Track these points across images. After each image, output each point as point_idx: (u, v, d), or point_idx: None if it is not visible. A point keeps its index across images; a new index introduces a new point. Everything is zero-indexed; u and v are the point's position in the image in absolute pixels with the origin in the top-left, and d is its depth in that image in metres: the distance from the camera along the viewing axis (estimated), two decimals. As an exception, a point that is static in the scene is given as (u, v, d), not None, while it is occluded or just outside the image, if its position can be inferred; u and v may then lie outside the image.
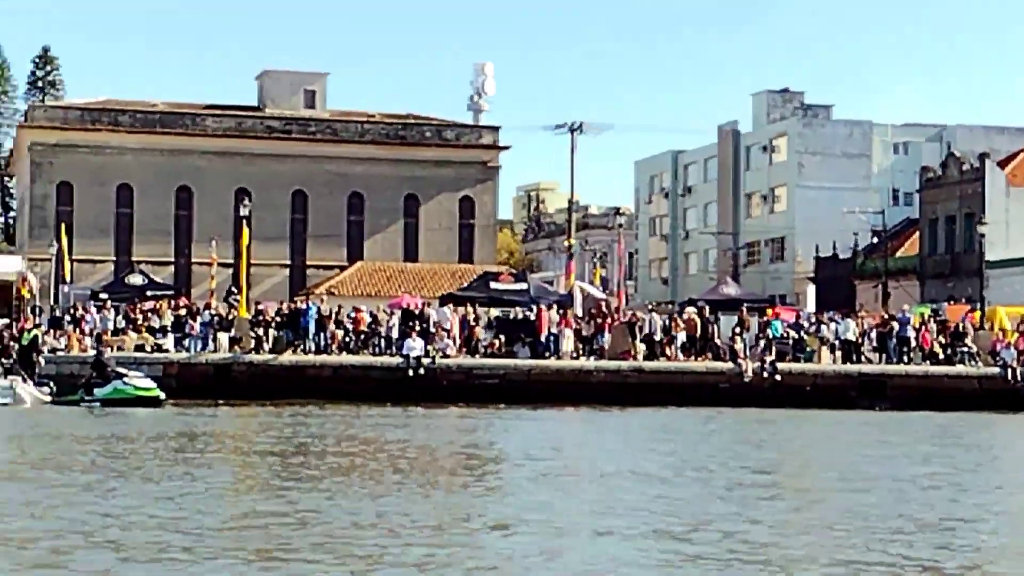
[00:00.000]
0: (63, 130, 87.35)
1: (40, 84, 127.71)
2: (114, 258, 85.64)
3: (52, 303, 67.39)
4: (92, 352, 49.29)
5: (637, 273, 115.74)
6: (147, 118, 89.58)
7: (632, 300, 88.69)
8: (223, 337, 53.07)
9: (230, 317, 54.56)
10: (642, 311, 61.99)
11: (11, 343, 48.63)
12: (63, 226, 73.79)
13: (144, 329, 55.01)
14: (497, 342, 56.19)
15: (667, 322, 57.45)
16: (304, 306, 55.46)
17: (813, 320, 60.13)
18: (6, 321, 56.47)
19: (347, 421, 39.21)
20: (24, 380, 44.95)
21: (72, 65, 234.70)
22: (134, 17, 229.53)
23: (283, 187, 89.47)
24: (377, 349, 55.41)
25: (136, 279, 63.69)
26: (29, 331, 48.80)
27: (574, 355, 55.46)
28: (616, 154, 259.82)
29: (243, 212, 57.60)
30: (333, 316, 55.01)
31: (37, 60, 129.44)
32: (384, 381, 52.00)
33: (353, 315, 55.84)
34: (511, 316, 58.74)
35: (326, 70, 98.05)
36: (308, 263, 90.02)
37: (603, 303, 61.12)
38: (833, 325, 58.18)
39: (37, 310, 64.87)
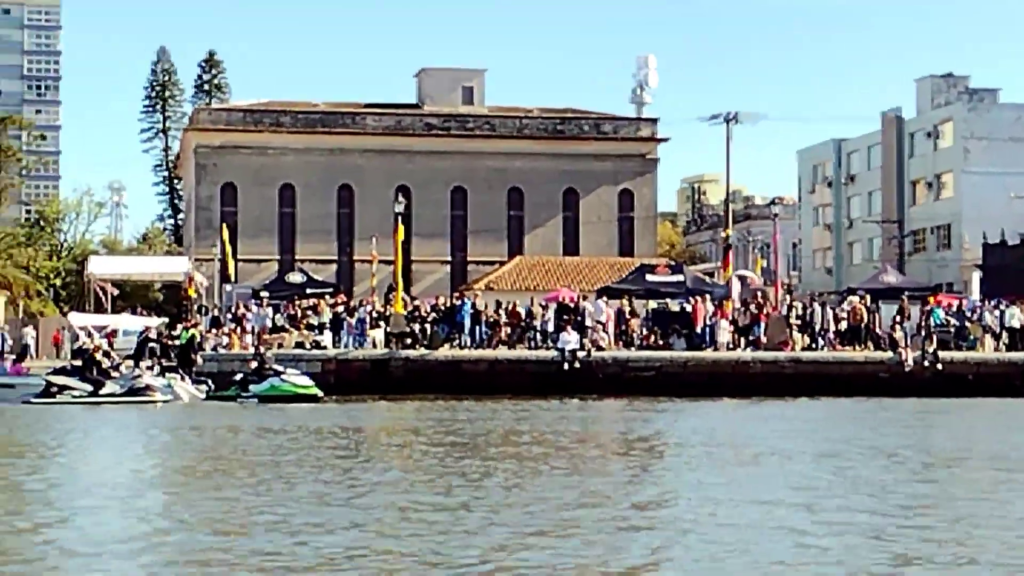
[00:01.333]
0: (227, 132, 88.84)
1: (207, 88, 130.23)
2: (278, 257, 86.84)
3: (215, 302, 68.52)
4: (252, 350, 50.05)
5: (801, 263, 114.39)
6: (308, 118, 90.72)
7: (796, 290, 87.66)
8: (375, 333, 53.54)
9: (387, 313, 55.02)
10: (802, 300, 61.31)
11: (170, 342, 49.56)
12: (225, 226, 74.97)
13: (303, 326, 55.74)
14: (653, 334, 55.95)
15: (827, 311, 56.75)
16: (459, 301, 55.71)
17: (976, 308, 58.89)
18: (165, 320, 57.57)
19: (516, 414, 38.76)
20: (182, 378, 45.83)
21: (237, 68, 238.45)
22: (296, 19, 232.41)
23: (442, 183, 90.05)
24: (533, 343, 55.52)
25: (296, 277, 64.58)
26: (187, 330, 49.73)
27: (730, 346, 55.02)
28: (780, 143, 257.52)
29: (398, 209, 58.04)
30: (488, 311, 55.20)
31: (203, 64, 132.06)
32: (539, 375, 52.10)
33: (508, 309, 55.96)
34: (667, 308, 58.43)
35: (484, 66, 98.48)
36: (469, 259, 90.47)
37: (759, 293, 60.55)
38: (997, 312, 56.97)
39: (203, 309, 66.07)
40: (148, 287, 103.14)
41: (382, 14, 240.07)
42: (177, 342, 49.41)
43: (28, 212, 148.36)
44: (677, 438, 30.16)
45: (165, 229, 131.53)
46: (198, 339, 49.29)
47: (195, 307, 69.30)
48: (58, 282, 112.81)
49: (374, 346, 53.45)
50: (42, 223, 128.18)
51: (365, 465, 23.47)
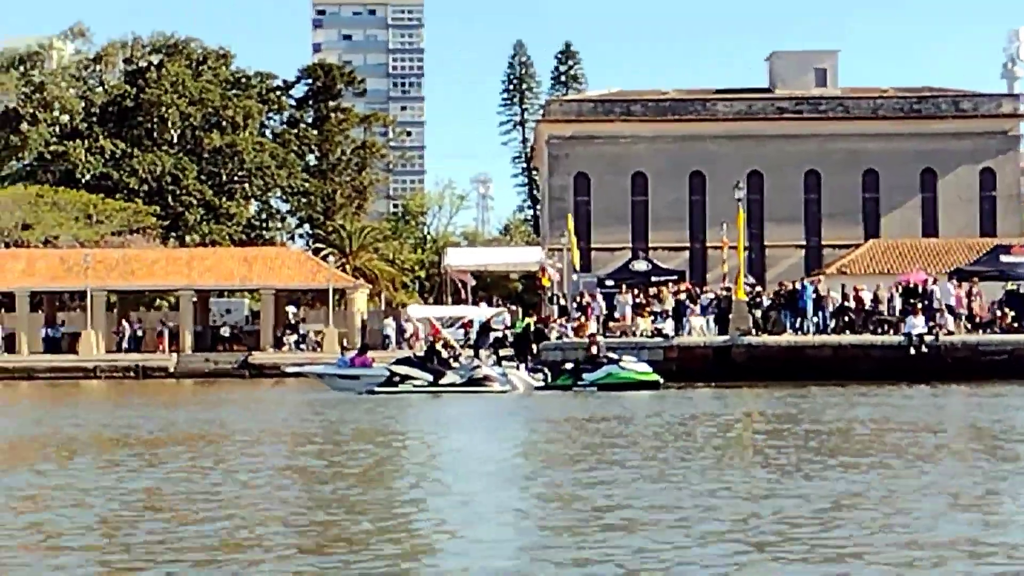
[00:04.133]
0: (578, 122, 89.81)
1: (563, 79, 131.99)
2: (630, 245, 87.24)
3: (564, 292, 69.36)
4: (595, 338, 50.36)
5: None
6: (658, 106, 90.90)
7: None
8: (696, 321, 53.29)
9: (729, 300, 54.67)
10: None
11: (507, 331, 50.36)
12: (570, 216, 75.74)
13: (647, 314, 55.90)
14: (1006, 317, 54.01)
15: None
16: (800, 286, 54.91)
17: None
18: (503, 310, 58.49)
19: (874, 402, 37.52)
20: (517, 367, 46.52)
21: (592, 59, 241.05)
22: (647, 8, 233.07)
23: (795, 167, 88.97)
24: (880, 328, 54.26)
25: (641, 265, 64.83)
26: (522, 320, 50.41)
27: (1090, 329, 52.63)
28: None
29: (738, 196, 57.53)
30: (832, 295, 54.25)
31: (560, 56, 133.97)
32: (885, 360, 50.90)
33: (852, 294, 54.89)
34: (1021, 290, 56.30)
35: (836, 47, 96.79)
36: (823, 243, 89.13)
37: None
38: None
39: (554, 299, 66.97)
40: (507, 278, 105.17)
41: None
42: (514, 331, 50.12)
43: (395, 207, 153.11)
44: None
45: (526, 220, 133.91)
46: (533, 329, 49.89)
47: (547, 297, 70.33)
48: (422, 274, 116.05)
49: (689, 333, 53.20)
50: (407, 217, 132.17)
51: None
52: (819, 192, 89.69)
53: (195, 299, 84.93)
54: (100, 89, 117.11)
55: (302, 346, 79.22)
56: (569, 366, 46.45)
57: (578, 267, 70.50)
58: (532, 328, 49.95)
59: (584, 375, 45.57)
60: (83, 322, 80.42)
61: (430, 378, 44.33)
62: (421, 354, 46.37)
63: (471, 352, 47.71)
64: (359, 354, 47.49)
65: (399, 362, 46.46)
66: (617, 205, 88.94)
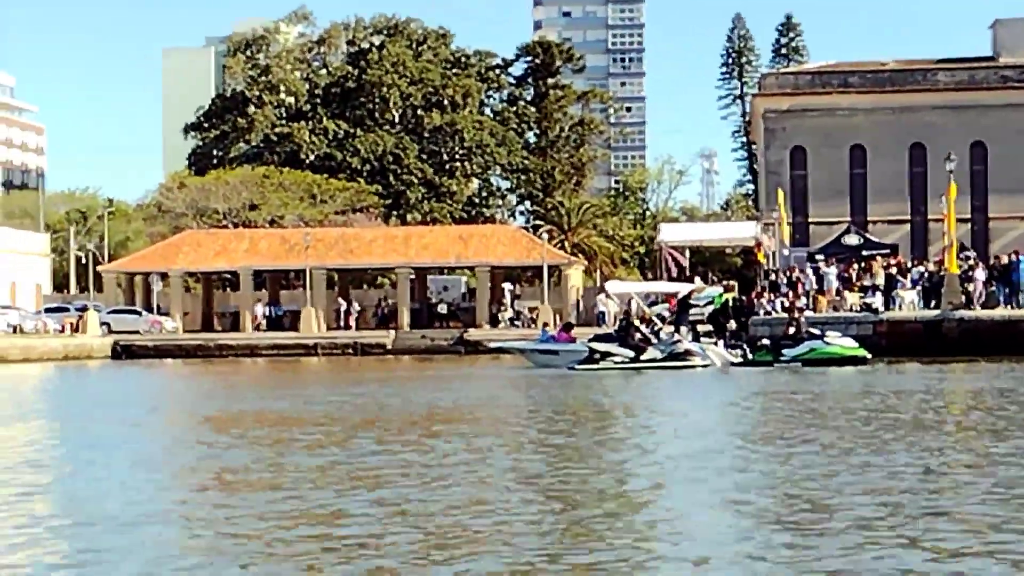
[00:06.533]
0: (794, 96, 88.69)
1: (783, 51, 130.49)
2: (848, 219, 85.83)
3: (775, 266, 68.71)
4: (804, 313, 49.80)
5: None
6: (877, 77, 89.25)
7: None
8: (906, 294, 52.26)
9: (940, 274, 53.61)
10: None
11: (705, 307, 50.08)
12: (780, 191, 74.90)
13: (856, 288, 55.13)
14: None
15: None
16: (1016, 260, 53.51)
17: None
18: (693, 286, 58.14)
19: None
20: (715, 343, 46.23)
21: (812, 31, 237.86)
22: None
23: (1020, 137, 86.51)
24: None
25: (852, 239, 63.87)
26: (720, 296, 50.06)
27: None
28: None
29: (949, 168, 56.15)
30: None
31: (780, 28, 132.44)
32: (1105, 333, 49.33)
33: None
34: None
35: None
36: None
37: None
38: None
39: (767, 274, 66.40)
40: (724, 253, 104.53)
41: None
42: (711, 307, 49.83)
43: (617, 183, 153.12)
44: None
45: (746, 195, 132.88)
46: (733, 305, 49.52)
47: (761, 272, 69.76)
48: (641, 250, 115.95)
49: (899, 307, 52.18)
50: (626, 193, 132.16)
51: None
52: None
53: (413, 277, 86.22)
54: (323, 71, 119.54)
55: (517, 323, 79.82)
56: (766, 342, 45.96)
57: (788, 241, 69.73)
58: (731, 304, 49.58)
59: (784, 351, 45.01)
60: (304, 300, 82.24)
61: (631, 354, 44.22)
62: (619, 330, 46.18)
63: (671, 328, 47.43)
64: (563, 330, 47.67)
65: (598, 338, 46.45)
66: (835, 178, 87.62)
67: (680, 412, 27.40)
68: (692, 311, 49.78)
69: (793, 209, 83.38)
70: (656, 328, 46.18)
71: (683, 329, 46.76)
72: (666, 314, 51.40)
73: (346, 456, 18.71)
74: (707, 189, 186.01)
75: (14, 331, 73.83)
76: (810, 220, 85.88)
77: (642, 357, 44.19)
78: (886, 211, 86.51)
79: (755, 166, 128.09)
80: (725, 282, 61.43)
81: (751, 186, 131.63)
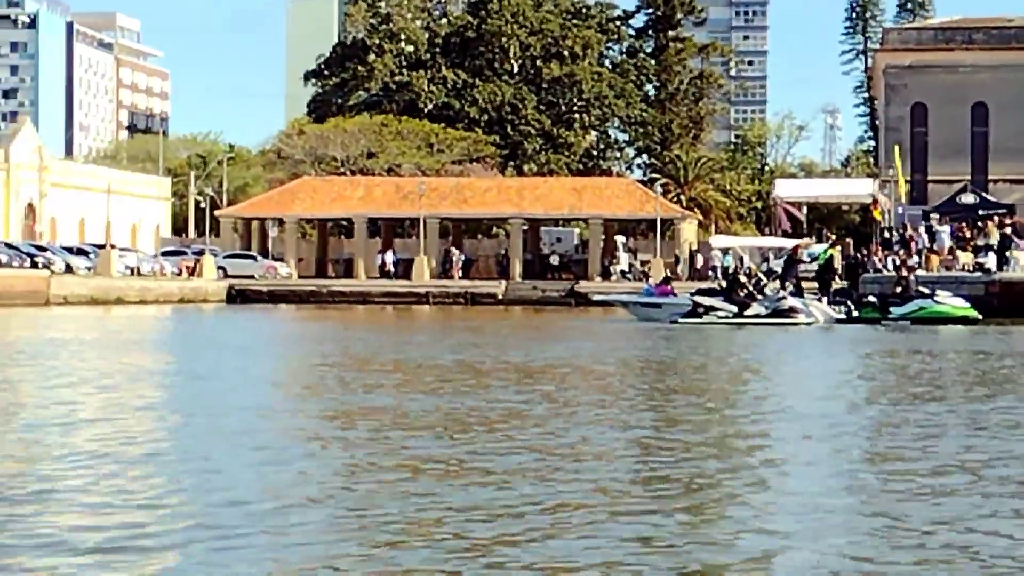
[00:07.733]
0: (916, 51, 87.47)
1: (909, 6, 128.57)
2: (969, 177, 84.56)
3: (890, 225, 67.95)
4: (918, 272, 49.28)
5: None
6: (1002, 34, 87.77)
7: None
8: (1022, 256, 51.41)
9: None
10: None
11: (812, 263, 49.68)
12: (896, 148, 73.92)
13: (970, 248, 54.41)
14: None
15: None
16: None
17: None
18: (801, 241, 57.67)
19: None
20: (819, 299, 45.91)
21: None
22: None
23: None
24: None
25: (968, 198, 63.00)
26: (825, 252, 49.65)
27: None
28: None
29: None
30: None
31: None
32: None
33: None
34: None
35: None
36: None
37: None
38: None
39: (885, 232, 65.67)
40: (841, 210, 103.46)
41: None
42: (816, 264, 49.43)
43: (736, 137, 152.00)
44: None
45: (867, 151, 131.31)
46: (844, 261, 49.14)
47: (877, 230, 69.03)
48: (759, 205, 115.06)
49: (1013, 268, 51.36)
50: (745, 147, 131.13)
51: None
52: None
53: (526, 228, 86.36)
54: (443, 20, 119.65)
55: (628, 275, 79.69)
56: (873, 299, 45.57)
57: (905, 199, 68.92)
58: (842, 260, 49.18)
59: (892, 308, 44.62)
60: (416, 249, 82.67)
61: (734, 309, 44.06)
62: (726, 285, 46.03)
63: (776, 284, 47.17)
64: (662, 283, 47.57)
65: (701, 292, 46.38)
66: (956, 136, 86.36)
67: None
68: (800, 267, 49.43)
69: (912, 167, 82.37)
70: (762, 284, 45.96)
71: (788, 284, 46.49)
72: (778, 269, 51.10)
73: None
74: (829, 145, 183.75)
75: (132, 273, 74.97)
76: (929, 178, 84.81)
77: (746, 313, 44.02)
78: (1007, 170, 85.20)
79: (876, 123, 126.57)
80: (831, 237, 60.79)
81: (872, 143, 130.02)
